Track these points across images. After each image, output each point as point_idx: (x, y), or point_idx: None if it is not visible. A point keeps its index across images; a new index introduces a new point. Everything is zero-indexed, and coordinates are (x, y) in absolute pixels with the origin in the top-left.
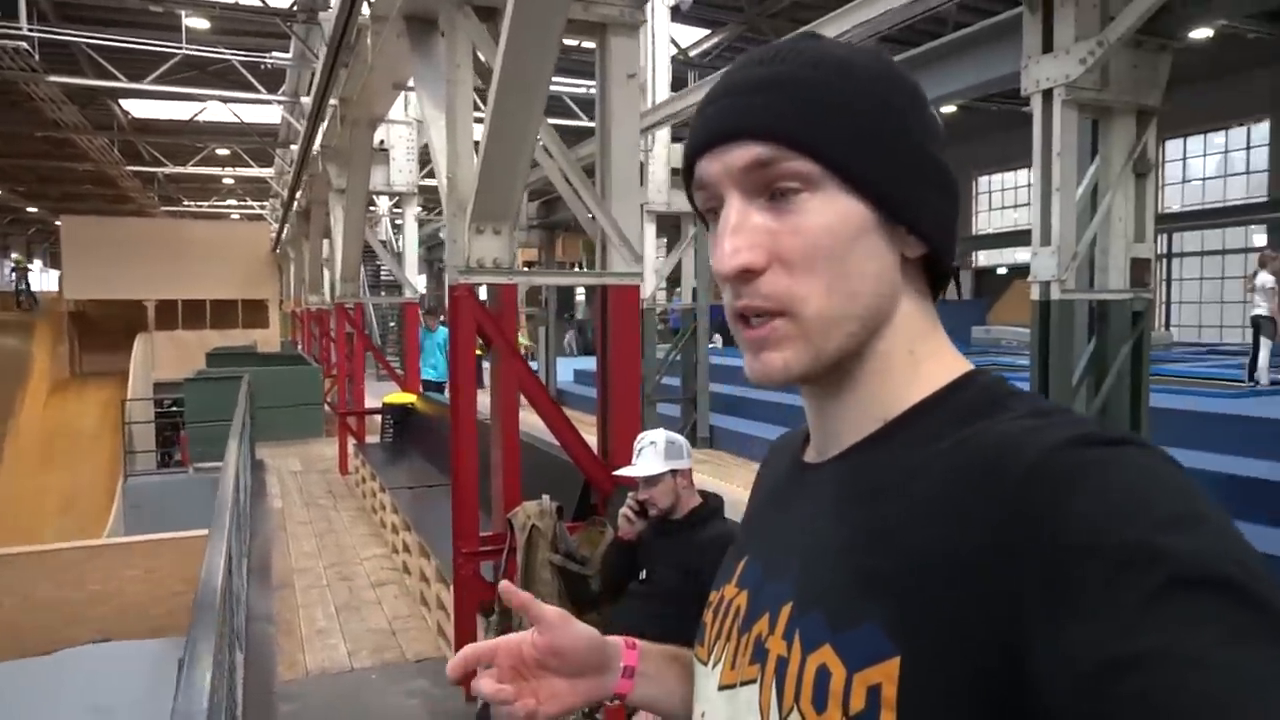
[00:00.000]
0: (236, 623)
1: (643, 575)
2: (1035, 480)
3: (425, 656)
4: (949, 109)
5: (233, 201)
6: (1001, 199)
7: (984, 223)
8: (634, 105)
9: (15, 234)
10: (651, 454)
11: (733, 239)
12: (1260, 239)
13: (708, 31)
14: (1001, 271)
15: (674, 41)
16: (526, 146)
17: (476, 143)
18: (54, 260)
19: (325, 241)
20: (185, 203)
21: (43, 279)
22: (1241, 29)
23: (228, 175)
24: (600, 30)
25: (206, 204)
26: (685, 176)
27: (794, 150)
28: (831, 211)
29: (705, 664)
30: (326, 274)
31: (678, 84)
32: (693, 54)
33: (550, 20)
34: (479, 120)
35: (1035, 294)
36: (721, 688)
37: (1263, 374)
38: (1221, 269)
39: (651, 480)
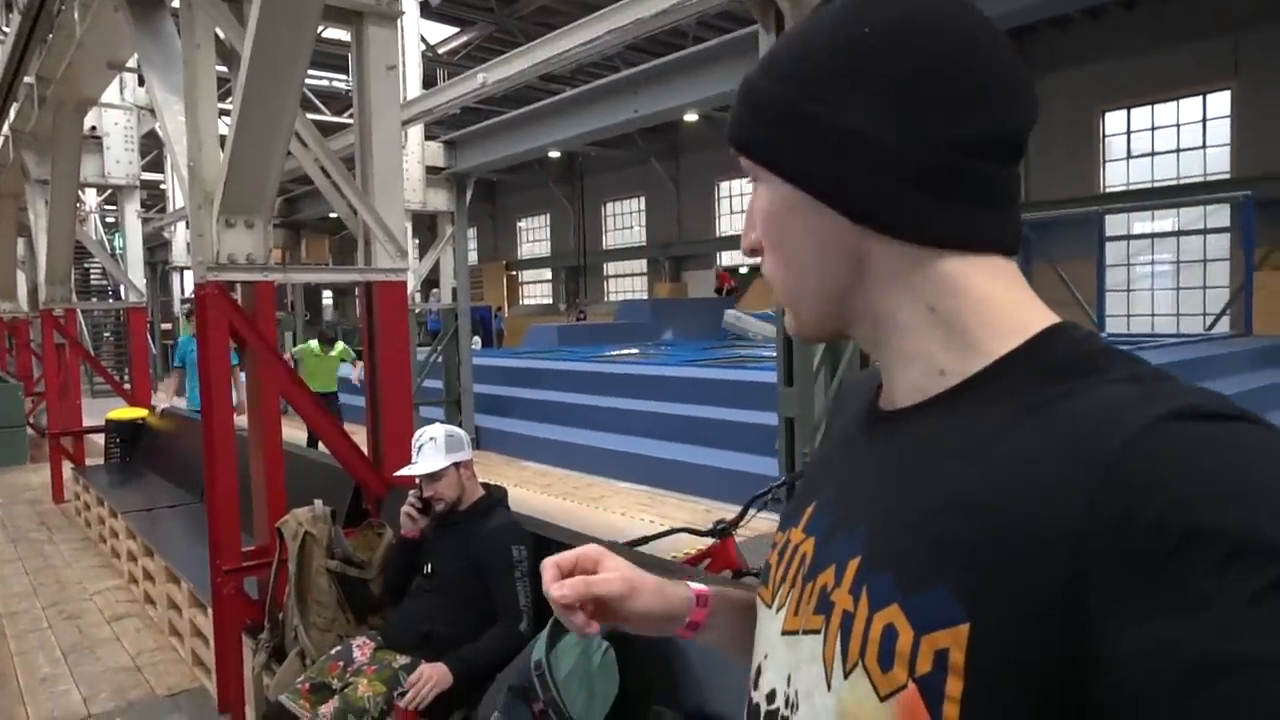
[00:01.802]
0: None
1: (427, 570)
2: (1133, 455)
3: (179, 690)
4: (692, 118)
5: None
6: (744, 203)
7: (727, 226)
8: (394, 98)
9: None
10: (432, 450)
11: (746, 222)
12: None
13: (457, 30)
14: (744, 270)
15: (424, 39)
16: (281, 135)
17: (223, 136)
18: None
19: (20, 240)
20: None
21: None
22: None
23: None
24: (357, 19)
25: None
26: None
27: (738, 151)
28: (766, 198)
29: (769, 606)
30: (23, 277)
31: (428, 82)
32: (442, 52)
33: (305, 5)
34: (223, 107)
35: None
36: (784, 633)
37: None
38: None
39: (435, 476)
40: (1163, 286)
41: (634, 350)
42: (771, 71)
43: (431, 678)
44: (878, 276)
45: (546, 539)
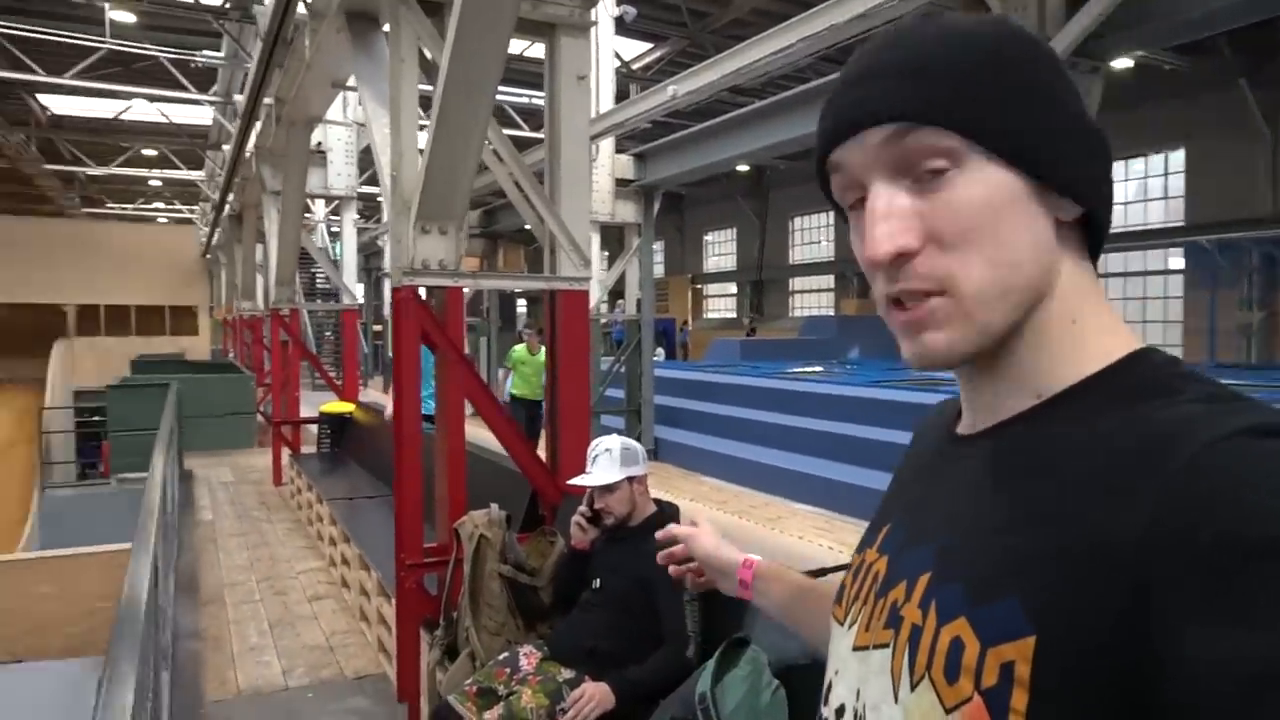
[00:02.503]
0: (162, 640)
1: (595, 585)
2: (1200, 469)
3: (365, 674)
4: None
5: (160, 205)
6: None
7: None
8: (584, 107)
9: None
10: (607, 461)
11: (885, 223)
12: (1177, 261)
13: (650, 45)
14: None
15: (618, 54)
16: (474, 145)
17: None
18: None
19: (259, 246)
20: (109, 205)
21: None
22: (1158, 60)
23: (155, 177)
24: (549, 30)
25: (131, 207)
26: (818, 167)
27: (934, 126)
28: (982, 184)
29: (841, 624)
30: (260, 280)
31: (621, 96)
32: (635, 67)
33: (500, 17)
34: (424, 120)
35: None
36: (855, 649)
37: None
38: (1143, 290)
39: (608, 488)
40: None
41: (818, 368)
42: (950, 46)
43: (594, 697)
44: (1061, 277)
45: None
